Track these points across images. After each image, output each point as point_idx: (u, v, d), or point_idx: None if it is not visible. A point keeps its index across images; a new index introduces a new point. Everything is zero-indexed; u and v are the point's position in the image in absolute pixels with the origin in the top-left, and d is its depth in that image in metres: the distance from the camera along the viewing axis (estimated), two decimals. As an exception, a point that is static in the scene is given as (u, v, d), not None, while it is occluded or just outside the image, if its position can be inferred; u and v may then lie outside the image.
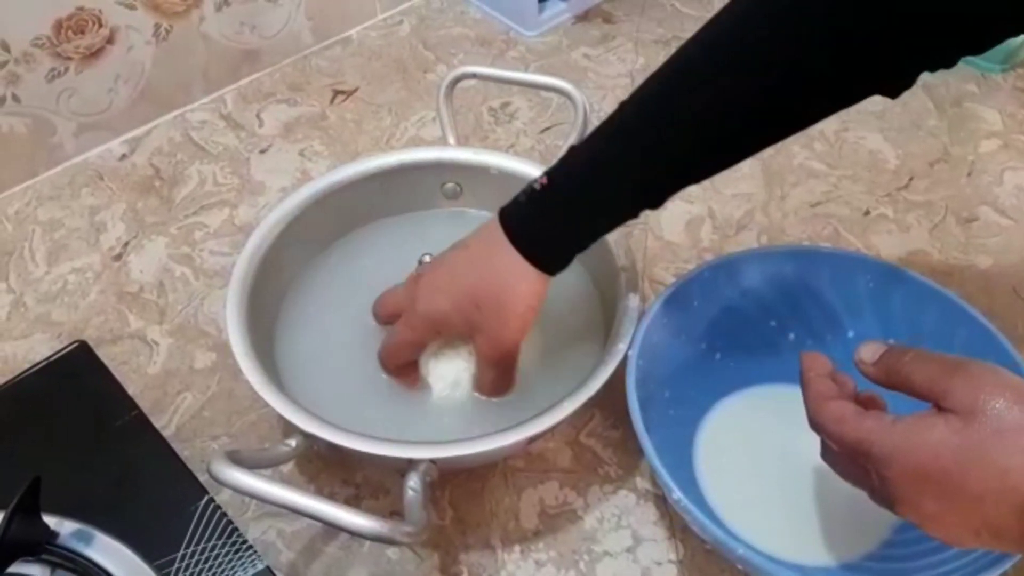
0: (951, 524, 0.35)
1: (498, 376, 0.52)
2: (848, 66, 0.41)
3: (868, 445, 0.37)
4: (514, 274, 0.47)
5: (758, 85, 0.42)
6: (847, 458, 0.39)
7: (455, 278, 0.49)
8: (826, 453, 0.42)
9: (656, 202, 0.47)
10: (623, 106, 0.46)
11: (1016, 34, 0.40)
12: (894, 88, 0.43)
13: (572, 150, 0.47)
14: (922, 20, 0.39)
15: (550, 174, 0.47)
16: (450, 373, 0.53)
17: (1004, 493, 0.33)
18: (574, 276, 0.59)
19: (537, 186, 0.47)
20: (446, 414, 0.53)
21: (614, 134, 0.46)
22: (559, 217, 0.47)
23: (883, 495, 0.37)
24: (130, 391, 0.56)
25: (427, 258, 0.54)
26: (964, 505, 0.34)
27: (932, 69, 0.42)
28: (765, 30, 0.42)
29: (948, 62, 0.42)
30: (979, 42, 0.40)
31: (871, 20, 0.39)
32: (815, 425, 0.40)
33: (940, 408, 0.36)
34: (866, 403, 0.40)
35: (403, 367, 0.53)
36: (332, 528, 0.43)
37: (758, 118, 0.44)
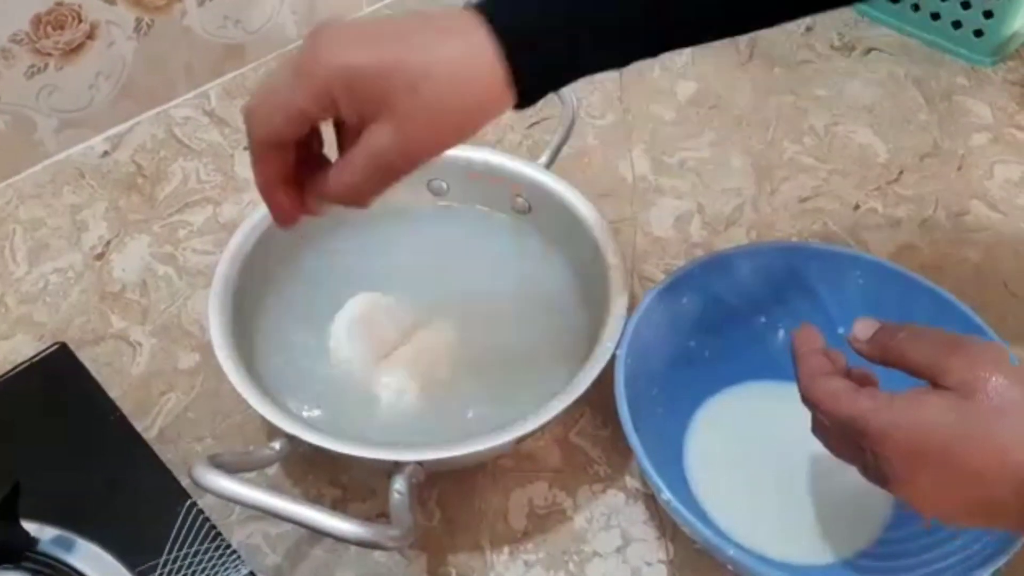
0: (945, 501, 0.35)
1: (370, 184, 0.37)
2: None
3: (863, 422, 0.36)
4: (474, 62, 0.34)
5: None
6: (839, 434, 0.39)
7: (387, 34, 0.35)
8: (817, 429, 0.41)
9: (666, 38, 0.39)
10: None
11: None
12: None
13: None
14: None
15: None
16: (394, 382, 0.52)
17: (1003, 470, 0.33)
18: (562, 273, 0.59)
19: None
20: (439, 414, 0.52)
21: None
22: (554, 24, 0.36)
23: (876, 472, 0.37)
24: (112, 393, 0.55)
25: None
26: (960, 482, 0.34)
27: None
28: None
29: None
30: None
31: None
32: (808, 400, 0.40)
33: (937, 385, 0.35)
34: (858, 379, 0.39)
35: (269, 149, 0.37)
36: (317, 533, 0.42)
37: None
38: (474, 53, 0.34)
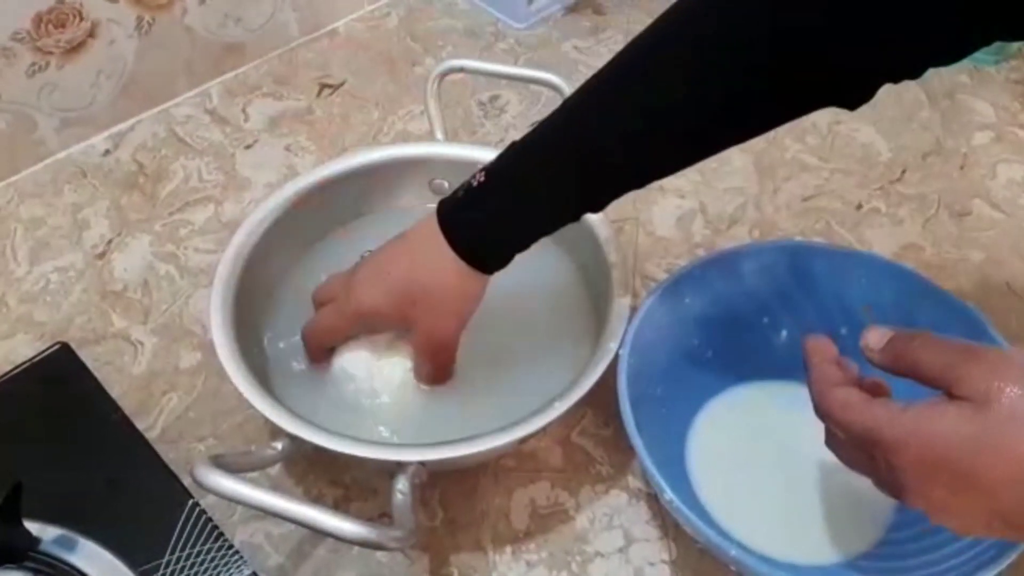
0: (962, 513, 0.35)
1: (435, 368, 0.52)
2: (800, 72, 0.41)
3: (877, 433, 0.36)
4: (450, 272, 0.47)
5: (701, 86, 0.42)
6: (853, 445, 0.38)
7: (390, 272, 0.48)
8: (830, 440, 0.41)
9: (596, 206, 0.47)
10: (564, 104, 0.45)
11: (987, 43, 0.39)
12: (851, 99, 0.42)
13: (512, 146, 0.46)
14: (886, 24, 0.38)
15: (488, 170, 0.46)
16: (396, 375, 0.52)
17: (1020, 481, 0.33)
18: (564, 273, 0.59)
19: (475, 182, 0.46)
20: (440, 414, 0.52)
21: (552, 133, 0.45)
22: (495, 216, 0.46)
23: (891, 483, 0.36)
24: (113, 392, 0.55)
25: (368, 253, 0.52)
26: (977, 493, 0.34)
27: (896, 80, 0.41)
28: (711, 28, 0.41)
29: (913, 72, 0.41)
30: (946, 53, 0.40)
31: (827, 18, 0.38)
32: (820, 412, 0.39)
33: (952, 395, 0.35)
34: (871, 389, 0.39)
35: (320, 351, 0.53)
36: (319, 533, 0.42)
37: (701, 123, 0.43)
38: (450, 272, 0.47)
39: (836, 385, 0.39)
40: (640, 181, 0.46)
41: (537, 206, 0.46)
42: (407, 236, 0.49)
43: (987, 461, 0.33)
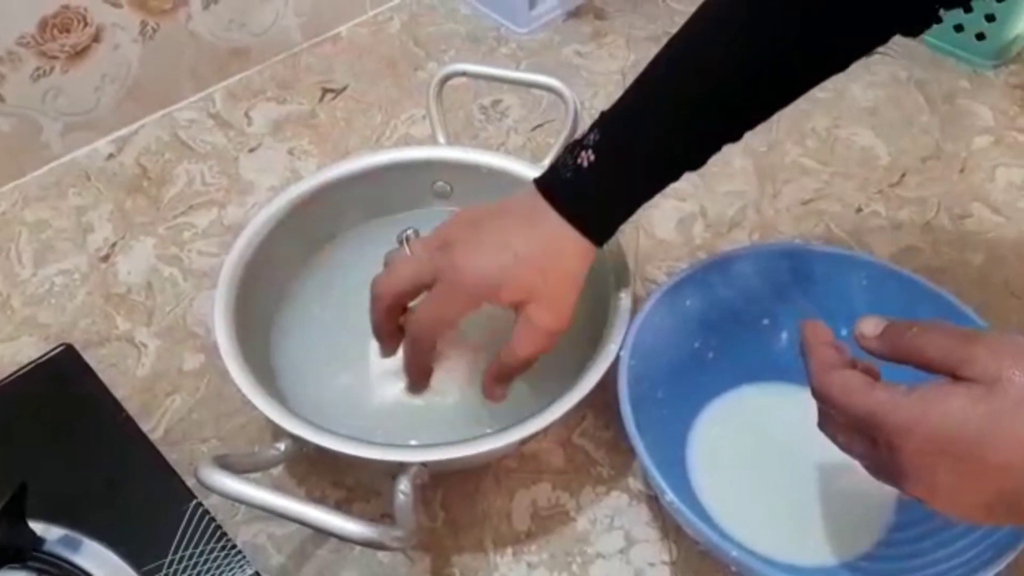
0: (964, 497, 0.34)
1: (537, 354, 0.47)
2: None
3: (881, 417, 0.35)
4: (569, 246, 0.46)
5: (777, 27, 0.43)
6: (850, 429, 0.38)
7: (505, 242, 0.45)
8: (825, 423, 0.40)
9: (700, 160, 0.48)
10: (653, 64, 0.46)
11: None
12: (914, 23, 0.44)
13: (605, 117, 0.46)
14: None
15: (594, 147, 0.45)
16: (462, 369, 0.52)
17: None
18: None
19: (584, 163, 0.45)
20: (443, 415, 0.52)
21: (651, 93, 0.46)
22: (610, 189, 0.46)
23: (890, 469, 0.36)
24: (118, 394, 0.55)
25: (411, 232, 0.49)
26: (983, 477, 0.33)
27: (949, 6, 0.42)
28: None
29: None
30: None
31: None
32: (819, 394, 0.39)
33: (957, 377, 0.34)
34: (866, 373, 0.39)
35: (424, 360, 0.49)
36: (322, 533, 0.42)
37: (786, 65, 0.44)
38: (571, 242, 0.46)
39: (835, 367, 0.38)
40: (737, 133, 0.47)
41: (649, 168, 0.47)
42: (508, 209, 0.47)
43: (997, 443, 0.33)
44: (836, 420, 0.39)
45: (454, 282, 0.45)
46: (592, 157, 0.45)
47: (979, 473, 0.33)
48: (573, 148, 0.46)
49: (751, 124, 0.47)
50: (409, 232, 0.49)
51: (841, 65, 0.46)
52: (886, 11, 0.43)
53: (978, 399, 0.33)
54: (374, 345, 0.54)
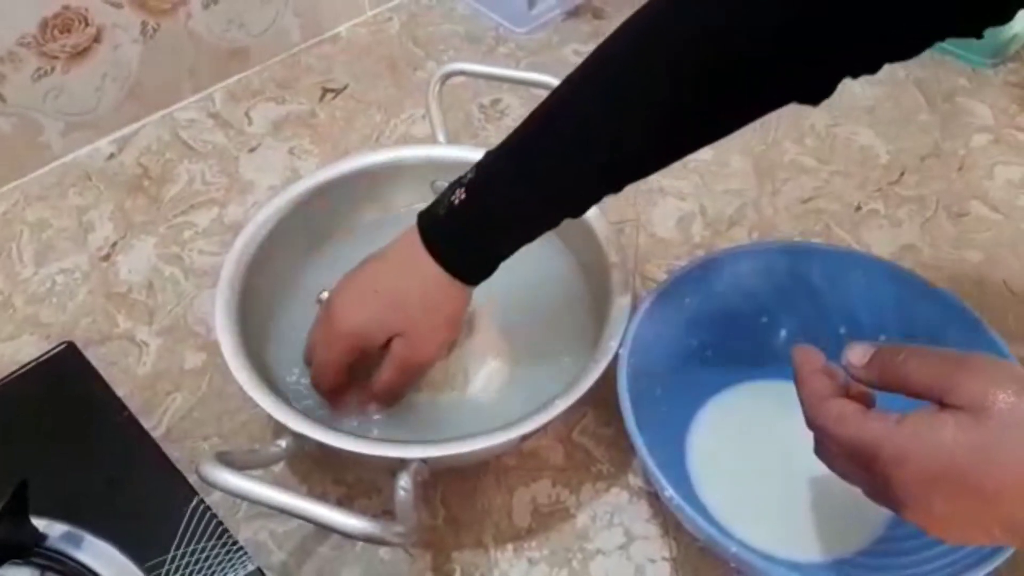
0: (963, 523, 0.35)
1: (399, 385, 0.51)
2: (772, 62, 0.41)
3: (875, 447, 0.35)
4: (437, 285, 0.48)
5: (668, 83, 0.43)
6: (847, 456, 0.38)
7: (374, 289, 0.49)
8: (821, 451, 0.41)
9: (578, 211, 0.48)
10: (534, 113, 0.46)
11: (941, 39, 0.40)
12: (814, 93, 0.43)
13: (489, 155, 0.47)
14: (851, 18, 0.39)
15: (467, 186, 0.47)
16: (483, 372, 0.53)
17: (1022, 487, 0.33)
18: (565, 273, 0.59)
19: (456, 201, 0.47)
20: (444, 412, 0.53)
21: (531, 139, 0.46)
22: (480, 231, 0.47)
23: (888, 496, 0.36)
24: (119, 392, 0.56)
25: (324, 295, 0.52)
26: (979, 502, 0.33)
27: (855, 75, 0.42)
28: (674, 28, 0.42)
29: (872, 67, 0.42)
30: (903, 48, 0.41)
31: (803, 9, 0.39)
32: (813, 425, 0.39)
33: (944, 405, 0.35)
34: (858, 399, 0.39)
35: (334, 390, 0.52)
36: (323, 529, 0.42)
37: (672, 121, 0.44)
38: (437, 283, 0.48)
39: (827, 398, 0.39)
40: (615, 183, 0.47)
41: (522, 215, 0.47)
42: (386, 255, 0.50)
43: (990, 470, 0.33)
44: (831, 449, 0.39)
45: (329, 336, 0.50)
46: (463, 195, 0.46)
47: (975, 499, 0.34)
48: (453, 185, 0.47)
49: (629, 179, 0.47)
50: (323, 294, 0.53)
51: (729, 129, 0.46)
52: (785, 84, 0.43)
53: (967, 428, 0.34)
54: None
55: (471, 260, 0.48)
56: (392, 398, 0.52)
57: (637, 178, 0.47)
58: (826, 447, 0.40)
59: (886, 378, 0.38)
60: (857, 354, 0.39)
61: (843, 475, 0.40)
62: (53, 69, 0.70)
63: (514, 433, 0.46)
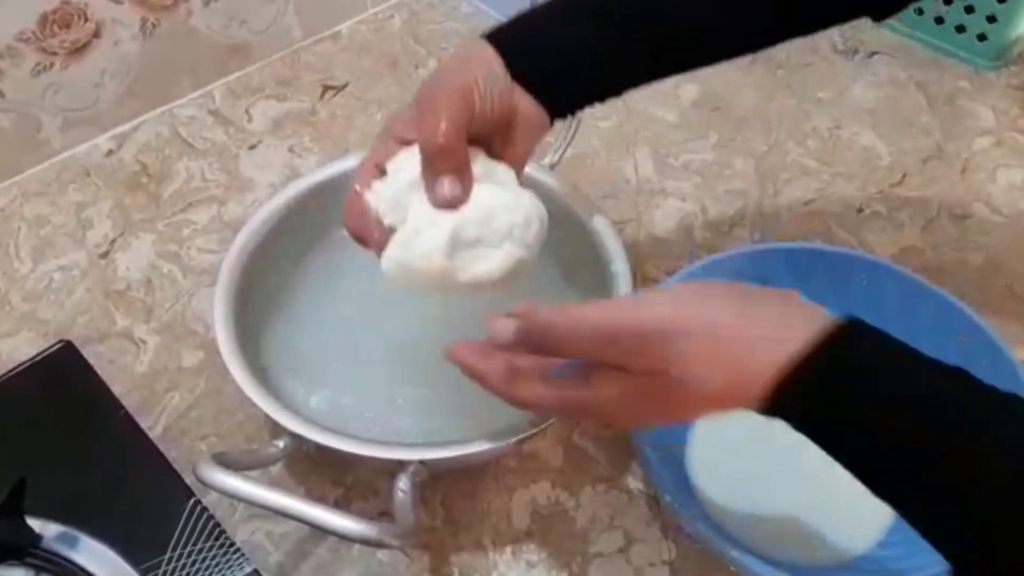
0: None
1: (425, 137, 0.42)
2: None
3: (578, 405, 0.37)
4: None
5: None
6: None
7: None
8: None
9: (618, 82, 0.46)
10: None
11: None
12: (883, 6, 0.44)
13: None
14: None
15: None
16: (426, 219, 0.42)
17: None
18: (565, 274, 0.59)
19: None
20: (444, 413, 0.52)
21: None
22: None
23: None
24: (116, 391, 0.55)
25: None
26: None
27: None
28: None
29: None
30: None
31: None
32: (517, 407, 0.39)
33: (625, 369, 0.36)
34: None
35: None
36: (321, 531, 0.42)
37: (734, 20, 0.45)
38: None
39: (511, 380, 0.38)
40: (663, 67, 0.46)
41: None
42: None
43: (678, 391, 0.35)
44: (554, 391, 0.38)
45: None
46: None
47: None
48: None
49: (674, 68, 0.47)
50: None
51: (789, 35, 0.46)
52: None
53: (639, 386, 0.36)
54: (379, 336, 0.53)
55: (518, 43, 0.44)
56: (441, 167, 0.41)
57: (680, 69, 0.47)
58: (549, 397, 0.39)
59: (545, 352, 0.37)
60: (502, 331, 0.38)
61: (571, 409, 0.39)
62: (52, 65, 0.69)
63: (514, 435, 0.45)
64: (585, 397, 0.37)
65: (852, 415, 0.33)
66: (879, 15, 0.46)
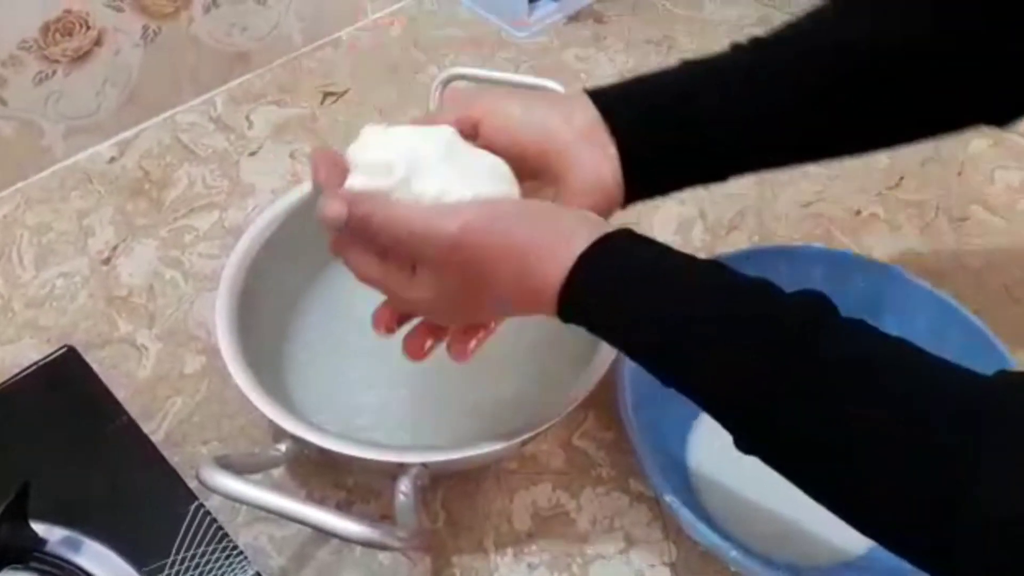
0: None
1: None
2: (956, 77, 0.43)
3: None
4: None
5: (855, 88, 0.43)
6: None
7: None
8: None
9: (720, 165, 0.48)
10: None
11: None
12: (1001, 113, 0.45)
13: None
14: None
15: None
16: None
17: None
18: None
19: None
20: (445, 416, 0.53)
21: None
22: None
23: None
24: (119, 396, 0.56)
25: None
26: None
27: None
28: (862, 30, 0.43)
29: None
30: None
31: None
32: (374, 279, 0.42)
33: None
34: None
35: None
36: (323, 533, 0.42)
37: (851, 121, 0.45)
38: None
39: (350, 244, 0.42)
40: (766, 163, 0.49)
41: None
42: None
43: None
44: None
45: None
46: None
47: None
48: None
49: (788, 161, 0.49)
50: None
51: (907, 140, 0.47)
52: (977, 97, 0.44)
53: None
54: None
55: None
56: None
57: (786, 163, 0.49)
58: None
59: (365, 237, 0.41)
60: (333, 212, 0.40)
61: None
62: (54, 73, 0.70)
63: (514, 438, 0.46)
64: (404, 281, 0.40)
65: (613, 307, 0.38)
66: (1000, 122, 0.47)
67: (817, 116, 0.45)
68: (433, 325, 0.45)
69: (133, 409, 0.55)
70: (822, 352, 0.34)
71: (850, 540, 0.49)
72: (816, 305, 0.36)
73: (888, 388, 0.33)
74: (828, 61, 0.44)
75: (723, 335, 0.36)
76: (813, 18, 0.45)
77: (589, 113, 0.44)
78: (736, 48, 0.45)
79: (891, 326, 0.53)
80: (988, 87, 0.44)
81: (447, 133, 0.42)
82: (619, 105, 0.44)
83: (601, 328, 0.39)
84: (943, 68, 0.43)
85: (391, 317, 0.44)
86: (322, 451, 0.46)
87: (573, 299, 0.38)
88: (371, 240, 0.40)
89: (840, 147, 0.48)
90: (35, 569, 0.46)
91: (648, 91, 0.45)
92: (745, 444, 0.37)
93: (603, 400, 0.48)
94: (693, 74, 0.45)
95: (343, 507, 0.52)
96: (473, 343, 0.44)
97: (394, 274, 0.41)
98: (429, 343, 0.45)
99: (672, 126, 0.44)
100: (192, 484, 0.51)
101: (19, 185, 0.72)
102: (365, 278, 0.42)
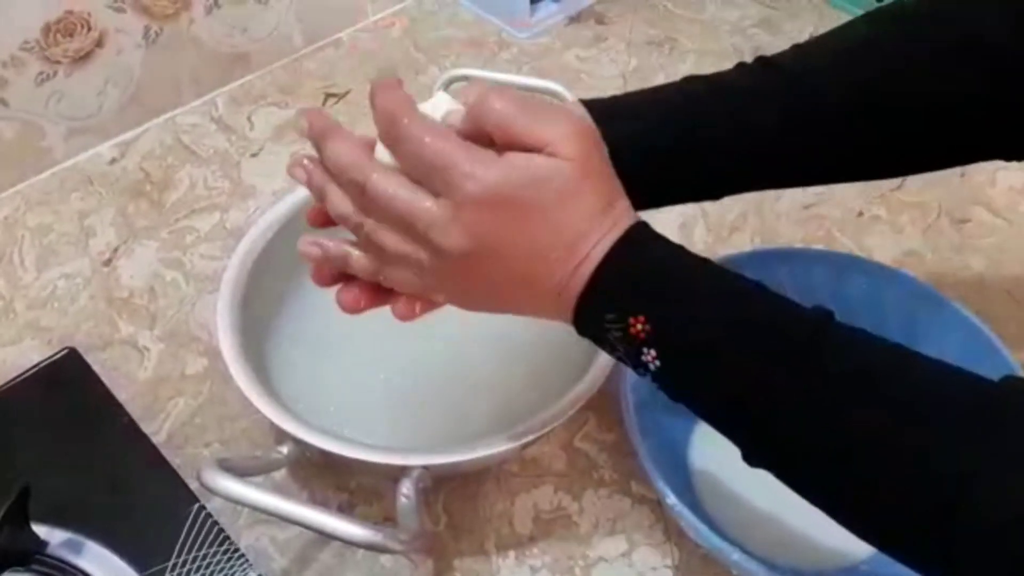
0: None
1: None
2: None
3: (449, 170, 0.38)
4: None
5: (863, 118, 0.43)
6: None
7: None
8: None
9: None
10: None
11: None
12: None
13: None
14: None
15: None
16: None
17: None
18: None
19: None
20: (447, 419, 0.52)
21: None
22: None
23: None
24: (120, 397, 0.56)
25: None
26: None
27: None
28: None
29: None
30: None
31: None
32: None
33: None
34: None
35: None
36: (325, 536, 0.42)
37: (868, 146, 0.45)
38: None
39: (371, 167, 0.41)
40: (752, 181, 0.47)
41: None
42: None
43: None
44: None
45: None
46: None
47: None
48: None
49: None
50: None
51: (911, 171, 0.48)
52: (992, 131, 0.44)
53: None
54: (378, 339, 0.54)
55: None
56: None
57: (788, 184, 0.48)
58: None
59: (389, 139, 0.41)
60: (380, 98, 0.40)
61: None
62: (56, 73, 0.70)
63: (516, 440, 0.46)
64: (435, 211, 0.38)
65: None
66: (1019, 157, 0.46)
67: (818, 145, 0.44)
68: (376, 286, 0.43)
69: (134, 411, 0.55)
70: (825, 362, 0.34)
71: (853, 545, 0.49)
72: (818, 318, 0.37)
73: (890, 395, 0.33)
74: (836, 94, 0.43)
75: (729, 344, 0.36)
76: (821, 46, 0.45)
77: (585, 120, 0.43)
78: (740, 68, 0.45)
79: (893, 328, 0.53)
80: (1004, 125, 0.43)
81: None
82: (615, 117, 0.44)
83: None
84: (956, 109, 0.43)
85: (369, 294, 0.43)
86: (324, 453, 0.45)
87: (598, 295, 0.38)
88: (387, 138, 0.41)
89: (843, 175, 0.48)
90: (36, 571, 0.46)
91: (646, 105, 0.45)
92: (752, 456, 0.37)
93: (605, 402, 0.48)
94: (694, 92, 0.44)
95: (345, 509, 0.52)
96: (419, 306, 0.43)
97: (425, 201, 0.39)
98: (364, 302, 0.44)
99: (668, 144, 0.44)
100: (193, 486, 0.51)
101: (20, 186, 0.72)
102: (389, 206, 0.40)
